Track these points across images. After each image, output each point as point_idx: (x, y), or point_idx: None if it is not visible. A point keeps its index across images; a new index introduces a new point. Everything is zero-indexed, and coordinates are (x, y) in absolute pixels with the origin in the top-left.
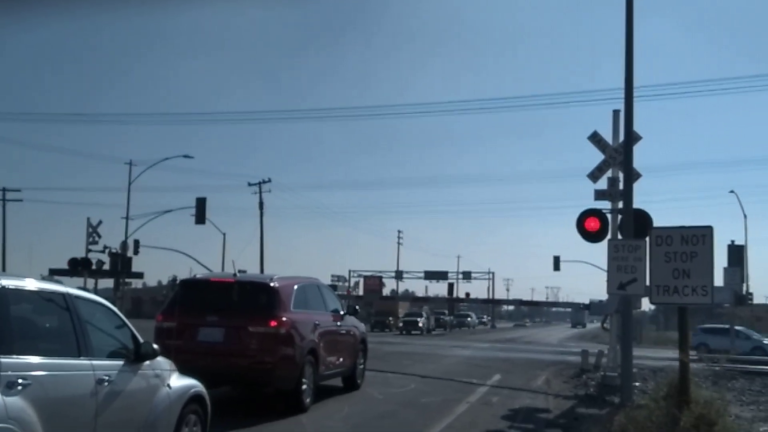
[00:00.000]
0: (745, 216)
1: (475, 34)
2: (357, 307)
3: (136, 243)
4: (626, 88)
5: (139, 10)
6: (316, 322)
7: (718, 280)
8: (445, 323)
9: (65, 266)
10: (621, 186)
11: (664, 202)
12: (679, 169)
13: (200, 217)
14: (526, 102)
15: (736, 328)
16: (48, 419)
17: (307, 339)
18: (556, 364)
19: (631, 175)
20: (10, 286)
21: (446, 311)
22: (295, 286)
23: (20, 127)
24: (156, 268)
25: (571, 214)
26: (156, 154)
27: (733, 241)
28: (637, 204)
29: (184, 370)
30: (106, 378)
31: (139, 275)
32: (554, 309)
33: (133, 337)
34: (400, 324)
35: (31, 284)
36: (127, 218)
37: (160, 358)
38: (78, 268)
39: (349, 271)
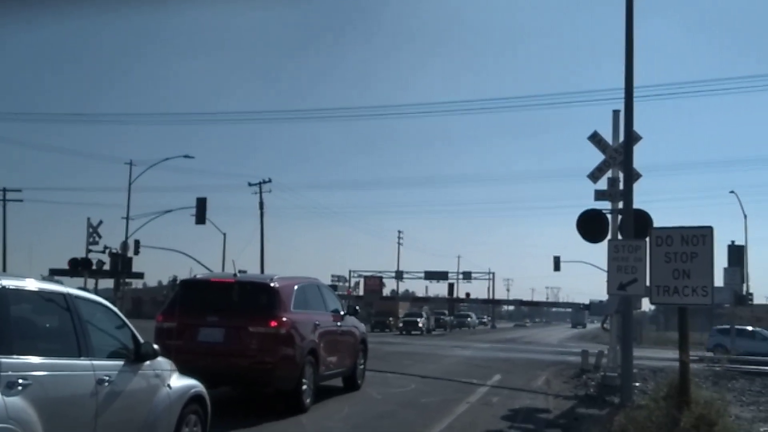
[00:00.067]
0: (745, 216)
1: (475, 34)
2: (357, 307)
3: (137, 243)
4: (626, 88)
5: (139, 10)
6: (317, 323)
7: (718, 280)
8: (445, 323)
9: (65, 266)
10: (621, 186)
11: (664, 202)
12: (679, 169)
13: (200, 217)
14: (526, 102)
15: (754, 329)
16: (48, 419)
17: (307, 339)
18: (556, 365)
19: (631, 176)
20: (11, 287)
21: (446, 311)
22: (296, 287)
23: (20, 127)
24: (156, 269)
25: (571, 214)
26: (156, 154)
27: (733, 242)
28: (637, 204)
29: (184, 370)
30: (107, 378)
31: (140, 275)
32: (554, 309)
33: (134, 337)
34: (400, 324)
35: (31, 284)
36: (127, 218)
37: (160, 358)
38: (78, 268)
39: (350, 271)
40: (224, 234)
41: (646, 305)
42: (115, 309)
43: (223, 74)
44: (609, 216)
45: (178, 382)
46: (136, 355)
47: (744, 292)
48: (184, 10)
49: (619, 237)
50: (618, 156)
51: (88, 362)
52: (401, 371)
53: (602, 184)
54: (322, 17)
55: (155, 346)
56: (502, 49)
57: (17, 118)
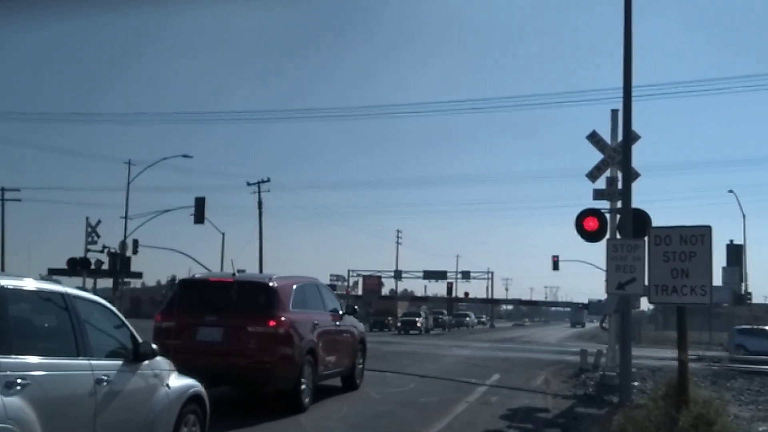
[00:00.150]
0: (743, 216)
1: (474, 34)
2: (356, 306)
3: (135, 243)
4: (625, 87)
5: (139, 10)
6: (315, 322)
7: (717, 279)
8: (444, 323)
9: (64, 266)
10: (620, 185)
11: (663, 202)
12: (678, 169)
13: (199, 217)
14: (526, 102)
15: None
16: (47, 419)
17: (306, 339)
18: (555, 364)
19: (630, 175)
20: (9, 286)
21: (445, 311)
22: (294, 286)
23: (20, 127)
24: (155, 268)
25: (569, 214)
26: (156, 154)
27: (732, 241)
28: (635, 203)
29: (183, 370)
30: (105, 378)
31: (138, 275)
32: (553, 309)
33: (132, 336)
34: (399, 324)
35: (29, 284)
36: (126, 218)
37: (159, 358)
38: (77, 267)
39: (348, 271)
40: (223, 234)
41: (645, 304)
42: (114, 308)
43: (223, 74)
44: (608, 215)
45: (176, 381)
46: (135, 355)
47: (743, 292)
48: (184, 10)
49: (618, 236)
50: (616, 155)
51: (86, 362)
52: (400, 371)
53: (601, 183)
54: (322, 17)
55: (154, 346)
56: (501, 49)
57: (17, 118)
